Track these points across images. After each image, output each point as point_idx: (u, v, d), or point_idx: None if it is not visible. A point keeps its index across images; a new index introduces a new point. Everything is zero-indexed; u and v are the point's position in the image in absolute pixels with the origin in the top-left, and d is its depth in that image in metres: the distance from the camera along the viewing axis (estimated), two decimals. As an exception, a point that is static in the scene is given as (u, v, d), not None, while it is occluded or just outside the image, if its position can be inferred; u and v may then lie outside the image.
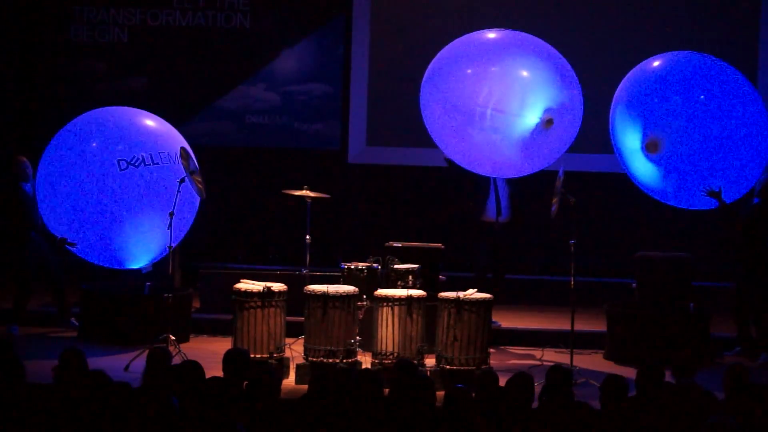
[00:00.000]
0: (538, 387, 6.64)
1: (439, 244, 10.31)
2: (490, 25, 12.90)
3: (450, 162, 10.04)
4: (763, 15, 12.91)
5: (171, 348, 9.33)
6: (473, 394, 6.45)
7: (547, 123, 9.34)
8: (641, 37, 12.98)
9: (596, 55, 13.00)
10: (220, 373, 6.79)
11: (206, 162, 10.81)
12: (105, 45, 13.35)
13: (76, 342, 9.93)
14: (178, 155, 10.07)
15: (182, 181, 9.61)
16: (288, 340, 9.60)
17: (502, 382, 6.50)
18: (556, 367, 6.88)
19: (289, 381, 9.20)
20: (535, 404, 6.39)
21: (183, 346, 9.87)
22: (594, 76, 12.92)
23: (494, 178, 10.25)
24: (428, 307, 9.33)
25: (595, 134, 12.95)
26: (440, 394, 6.33)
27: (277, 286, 9.46)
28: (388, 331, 9.30)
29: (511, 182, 10.23)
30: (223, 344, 9.19)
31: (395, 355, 9.12)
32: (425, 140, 12.97)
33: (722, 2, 13.02)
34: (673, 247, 11.19)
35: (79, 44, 13.35)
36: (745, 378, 6.95)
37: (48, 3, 13.29)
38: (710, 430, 5.46)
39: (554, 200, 9.61)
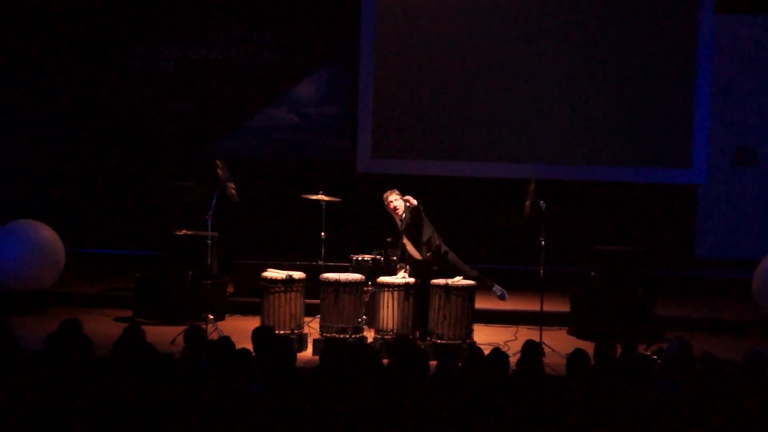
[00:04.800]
0: (513, 358, 6.70)
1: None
2: (485, 52, 12.99)
3: None
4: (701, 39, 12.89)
5: (209, 326, 9.39)
6: (459, 364, 6.50)
7: None
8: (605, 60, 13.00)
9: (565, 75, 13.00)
10: (251, 346, 6.83)
11: (238, 171, 10.79)
12: (155, 74, 13.37)
13: (134, 320, 9.98)
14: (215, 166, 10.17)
15: None
16: (306, 319, 9.61)
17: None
18: (529, 342, 6.92)
19: (307, 353, 9.21)
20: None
21: (220, 323, 9.90)
22: (567, 94, 12.97)
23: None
24: (422, 292, 9.37)
25: (559, 148, 13.04)
26: (433, 363, 6.35)
27: (297, 275, 9.48)
28: (389, 311, 9.31)
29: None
30: (253, 322, 9.16)
31: (394, 331, 9.15)
32: (422, 153, 13.11)
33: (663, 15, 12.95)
34: (625, 243, 11.21)
35: (134, 73, 13.37)
36: (687, 351, 6.99)
37: (110, 39, 13.29)
38: (654, 392, 5.49)
39: (527, 204, 9.63)
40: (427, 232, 9.51)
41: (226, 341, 6.65)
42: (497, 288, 9.65)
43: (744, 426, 5.26)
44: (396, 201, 9.56)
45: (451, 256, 9.65)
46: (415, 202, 9.32)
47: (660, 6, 12.88)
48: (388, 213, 9.71)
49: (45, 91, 13.37)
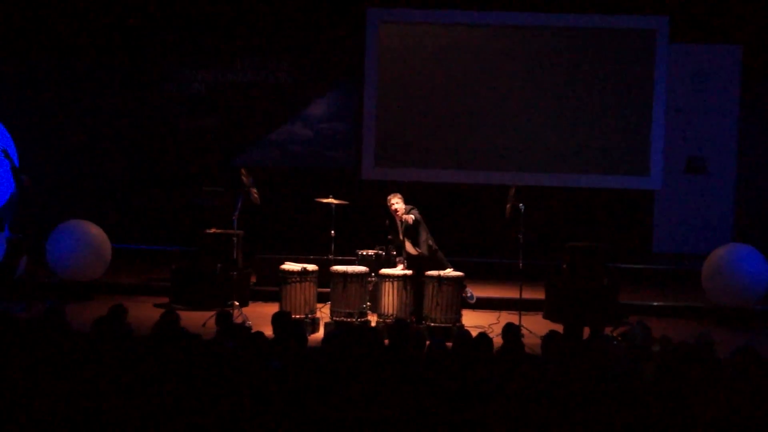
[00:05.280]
0: (497, 339, 6.68)
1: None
2: (473, 79, 13.02)
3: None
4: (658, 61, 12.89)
5: (235, 311, 9.38)
6: (450, 345, 6.48)
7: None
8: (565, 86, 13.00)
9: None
10: (271, 328, 6.81)
11: (260, 178, 10.79)
12: (189, 95, 13.36)
13: (171, 306, 9.97)
14: (240, 174, 10.18)
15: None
16: (318, 305, 9.58)
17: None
18: (509, 324, 6.90)
19: (319, 334, 9.14)
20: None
21: (244, 309, 9.83)
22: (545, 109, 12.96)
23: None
24: (418, 282, 9.35)
25: (536, 159, 13.05)
26: (427, 343, 6.34)
27: (311, 267, 9.45)
28: (389, 299, 9.29)
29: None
30: (272, 308, 9.15)
31: (394, 316, 9.13)
32: (417, 163, 13.12)
33: (621, 46, 12.96)
34: (592, 239, 11.18)
35: (172, 94, 13.37)
36: (648, 334, 6.97)
37: (151, 65, 13.29)
38: (617, 371, 5.47)
39: (508, 206, 9.61)
40: (424, 235, 9.53)
41: (247, 330, 6.65)
42: (468, 290, 9.65)
43: (696, 398, 5.24)
44: (397, 204, 9.57)
45: (440, 254, 9.66)
46: (412, 219, 9.36)
47: (622, 38, 12.94)
48: (390, 213, 9.72)
49: (95, 110, 13.37)
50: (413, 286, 9.30)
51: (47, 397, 4.99)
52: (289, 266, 9.47)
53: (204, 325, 8.90)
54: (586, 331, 7.26)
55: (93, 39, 13.17)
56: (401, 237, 9.63)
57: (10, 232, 10.15)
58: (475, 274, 10.57)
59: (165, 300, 10.49)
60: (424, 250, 9.52)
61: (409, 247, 9.63)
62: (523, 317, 9.27)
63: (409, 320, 8.85)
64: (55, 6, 12.99)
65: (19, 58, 13.23)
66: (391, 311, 9.25)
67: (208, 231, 10.62)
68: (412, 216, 9.43)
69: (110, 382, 5.16)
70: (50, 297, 9.60)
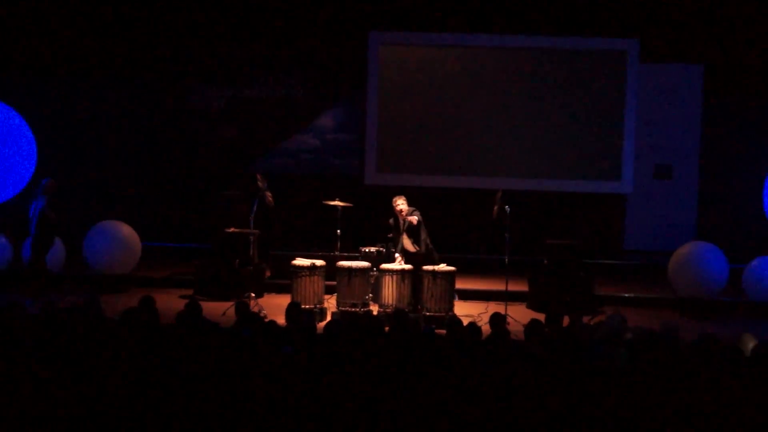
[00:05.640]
0: (485, 327, 6.67)
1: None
2: (465, 94, 13.01)
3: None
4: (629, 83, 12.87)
5: (251, 302, 9.37)
6: (444, 332, 6.48)
7: None
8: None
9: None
10: (283, 317, 6.80)
11: (274, 183, 10.80)
12: (211, 109, 13.34)
13: (194, 297, 9.97)
14: (256, 179, 10.19)
15: None
16: (326, 297, 9.60)
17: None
18: (496, 314, 6.89)
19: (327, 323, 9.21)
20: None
21: (259, 300, 9.86)
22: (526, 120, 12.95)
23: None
24: (415, 276, 9.35)
25: (520, 166, 13.04)
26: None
27: (319, 262, 9.45)
28: (389, 291, 9.29)
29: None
30: (285, 299, 9.15)
31: (393, 306, 9.13)
32: (414, 169, 13.09)
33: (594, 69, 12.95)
34: (570, 238, 11.18)
35: (195, 108, 13.36)
36: (623, 322, 6.96)
37: (177, 82, 13.28)
38: (593, 355, 5.46)
39: (495, 208, 9.63)
40: (423, 234, 9.59)
41: (262, 318, 6.62)
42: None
43: (663, 380, 5.23)
44: (402, 205, 9.66)
45: (434, 253, 9.67)
46: (416, 221, 9.41)
47: (598, 59, 12.95)
48: (395, 212, 9.76)
49: (127, 123, 13.36)
50: (411, 279, 9.30)
51: (83, 378, 4.99)
52: (300, 261, 9.46)
53: (223, 314, 8.89)
54: (566, 320, 7.24)
55: (125, 60, 13.17)
56: (402, 234, 9.69)
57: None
58: (466, 269, 10.57)
59: (189, 292, 10.47)
60: (422, 248, 9.55)
61: (407, 245, 9.66)
62: (508, 307, 9.27)
63: (406, 310, 8.85)
64: (92, 31, 12.99)
65: (62, 78, 13.23)
66: (390, 302, 9.25)
67: (227, 230, 10.61)
68: (416, 217, 9.49)
69: (137, 365, 5.15)
70: (87, 289, 9.61)
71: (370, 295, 9.40)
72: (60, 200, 10.11)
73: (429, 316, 9.07)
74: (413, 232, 9.63)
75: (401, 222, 9.68)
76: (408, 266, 9.32)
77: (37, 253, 9.96)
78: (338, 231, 10.14)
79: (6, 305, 6.41)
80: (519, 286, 10.31)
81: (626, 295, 10.85)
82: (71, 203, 11.60)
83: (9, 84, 13.18)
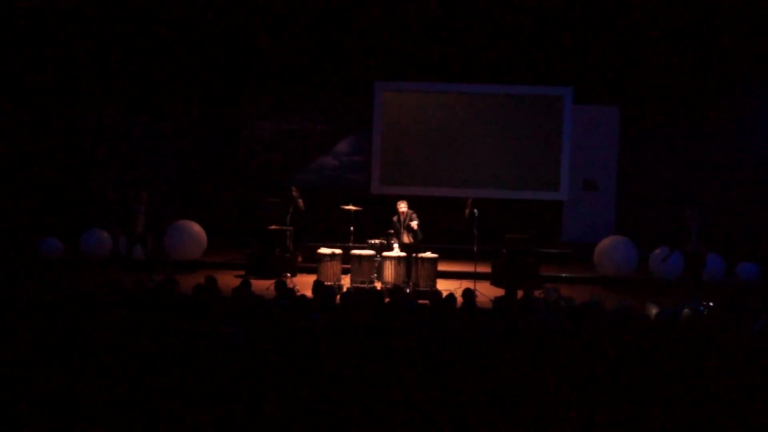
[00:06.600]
0: (459, 299, 6.67)
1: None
2: (446, 127, 13.01)
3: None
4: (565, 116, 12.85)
5: (288, 280, 9.37)
6: (428, 301, 6.47)
7: None
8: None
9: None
10: (311, 292, 6.78)
11: (305, 192, 10.80)
12: (257, 137, 13.30)
13: (245, 277, 9.96)
14: (291, 190, 10.20)
15: None
16: (342, 276, 9.61)
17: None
18: (467, 289, 6.89)
19: (343, 295, 9.21)
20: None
21: (294, 279, 9.81)
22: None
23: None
24: (408, 261, 9.34)
25: (485, 180, 13.02)
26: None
27: (337, 251, 9.46)
28: (389, 271, 9.29)
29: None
30: (312, 278, 9.15)
31: (392, 283, 9.14)
32: (408, 182, 13.08)
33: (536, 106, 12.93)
34: (522, 233, 11.17)
35: (245, 136, 13.35)
36: (558, 295, 6.93)
37: (232, 117, 13.26)
38: (540, 321, 5.44)
39: (467, 211, 9.62)
40: (418, 234, 9.56)
41: (295, 292, 6.61)
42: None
43: (588, 339, 5.22)
44: (403, 207, 9.72)
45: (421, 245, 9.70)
46: (415, 225, 9.43)
47: (542, 101, 12.92)
48: (397, 212, 9.79)
49: (198, 150, 13.36)
50: (405, 263, 9.29)
51: (164, 329, 4.98)
52: (323, 250, 9.48)
53: (267, 289, 8.89)
54: (520, 293, 7.26)
55: (194, 100, 13.19)
56: (402, 230, 9.69)
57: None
58: (445, 255, 10.58)
59: (241, 272, 10.48)
60: (416, 242, 9.52)
61: (405, 238, 9.66)
62: (477, 284, 9.27)
63: (402, 285, 8.85)
64: (183, 84, 13.02)
65: (157, 119, 13.25)
66: (390, 280, 9.25)
67: (270, 227, 10.63)
68: (415, 222, 9.47)
69: (205, 324, 5.16)
70: (168, 271, 9.63)
71: (375, 275, 9.40)
72: (150, 206, 10.15)
73: (418, 290, 9.07)
74: (410, 229, 9.63)
75: (402, 220, 9.70)
76: (403, 254, 9.32)
77: (151, 243, 9.93)
78: (351, 228, 10.13)
79: (105, 283, 6.42)
80: (484, 269, 10.32)
81: (563, 275, 10.85)
82: (159, 208, 11.59)
83: (123, 123, 13.15)
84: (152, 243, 10.06)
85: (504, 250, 10.45)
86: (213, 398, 3.84)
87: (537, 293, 7.81)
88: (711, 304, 8.01)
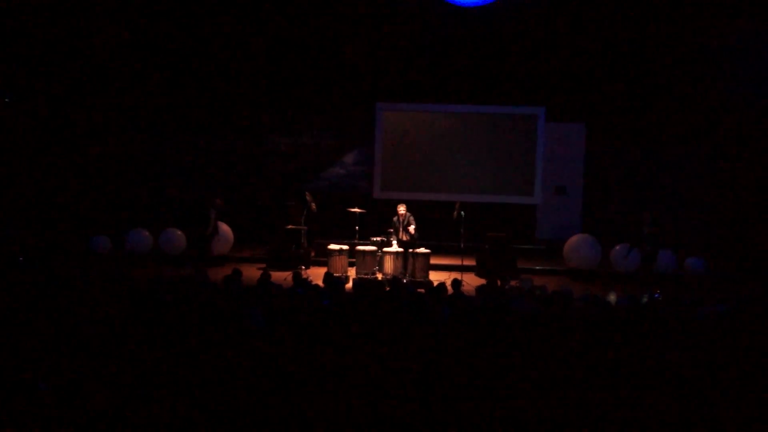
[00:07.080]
0: (450, 289, 6.67)
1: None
2: (438, 142, 13.03)
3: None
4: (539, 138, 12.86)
5: (303, 272, 9.37)
6: (423, 290, 6.48)
7: None
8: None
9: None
10: (321, 281, 6.78)
11: (317, 197, 10.81)
12: (278, 152, 13.26)
13: (266, 269, 9.98)
14: (305, 195, 10.20)
15: None
16: (349, 269, 9.62)
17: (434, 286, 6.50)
18: (455, 279, 6.91)
19: (349, 285, 9.12)
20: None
21: (308, 271, 9.84)
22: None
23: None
24: (405, 255, 9.34)
25: (470, 186, 13.04)
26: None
27: (345, 247, 9.50)
28: (389, 264, 9.32)
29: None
30: (323, 270, 9.18)
31: (391, 274, 9.15)
32: (406, 188, 13.07)
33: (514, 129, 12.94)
34: (501, 231, 11.17)
35: (268, 150, 13.34)
36: (532, 285, 6.92)
37: (252, 132, 13.24)
38: (520, 307, 5.45)
39: (455, 213, 9.64)
40: (415, 234, 9.57)
41: (309, 282, 6.62)
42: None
43: (560, 319, 5.24)
44: (401, 210, 9.70)
45: (418, 242, 9.68)
46: (413, 229, 9.41)
47: (519, 119, 12.89)
48: (397, 214, 9.79)
49: (225, 163, 13.34)
50: (403, 257, 9.31)
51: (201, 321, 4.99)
52: (333, 246, 9.50)
53: (285, 279, 8.90)
54: (499, 282, 7.29)
55: (222, 120, 13.21)
56: (400, 229, 9.68)
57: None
58: (437, 251, 10.60)
59: (263, 265, 10.49)
60: (412, 240, 9.53)
61: (402, 236, 9.66)
62: (463, 275, 9.28)
63: (399, 276, 8.87)
64: (217, 103, 12.99)
65: (192, 135, 13.22)
66: (390, 272, 9.27)
67: (287, 227, 10.64)
68: (413, 226, 9.46)
69: (234, 308, 5.18)
70: (199, 265, 9.64)
71: (377, 267, 9.42)
72: (221, 210, 10.05)
73: (414, 281, 9.09)
74: (408, 230, 9.62)
75: (401, 220, 9.69)
76: (401, 249, 9.33)
77: (206, 242, 9.90)
78: (357, 227, 10.15)
79: (155, 277, 6.45)
80: (470, 262, 10.34)
81: (537, 267, 10.87)
82: (226, 214, 11.55)
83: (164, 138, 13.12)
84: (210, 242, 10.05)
85: (486, 246, 10.47)
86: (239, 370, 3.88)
87: (514, 283, 7.84)
88: (660, 292, 8.03)
